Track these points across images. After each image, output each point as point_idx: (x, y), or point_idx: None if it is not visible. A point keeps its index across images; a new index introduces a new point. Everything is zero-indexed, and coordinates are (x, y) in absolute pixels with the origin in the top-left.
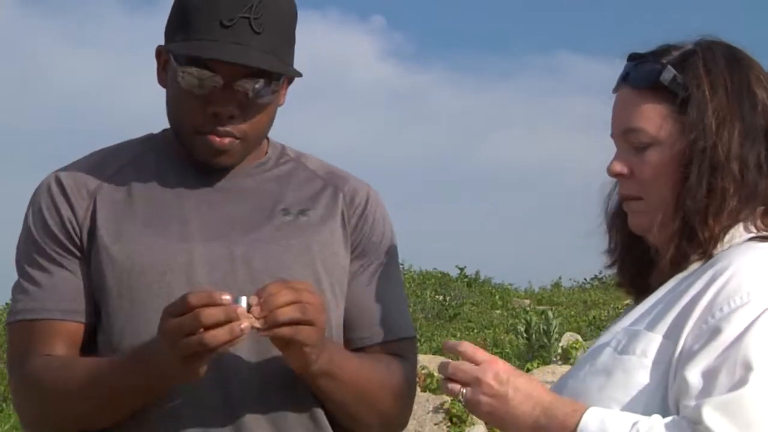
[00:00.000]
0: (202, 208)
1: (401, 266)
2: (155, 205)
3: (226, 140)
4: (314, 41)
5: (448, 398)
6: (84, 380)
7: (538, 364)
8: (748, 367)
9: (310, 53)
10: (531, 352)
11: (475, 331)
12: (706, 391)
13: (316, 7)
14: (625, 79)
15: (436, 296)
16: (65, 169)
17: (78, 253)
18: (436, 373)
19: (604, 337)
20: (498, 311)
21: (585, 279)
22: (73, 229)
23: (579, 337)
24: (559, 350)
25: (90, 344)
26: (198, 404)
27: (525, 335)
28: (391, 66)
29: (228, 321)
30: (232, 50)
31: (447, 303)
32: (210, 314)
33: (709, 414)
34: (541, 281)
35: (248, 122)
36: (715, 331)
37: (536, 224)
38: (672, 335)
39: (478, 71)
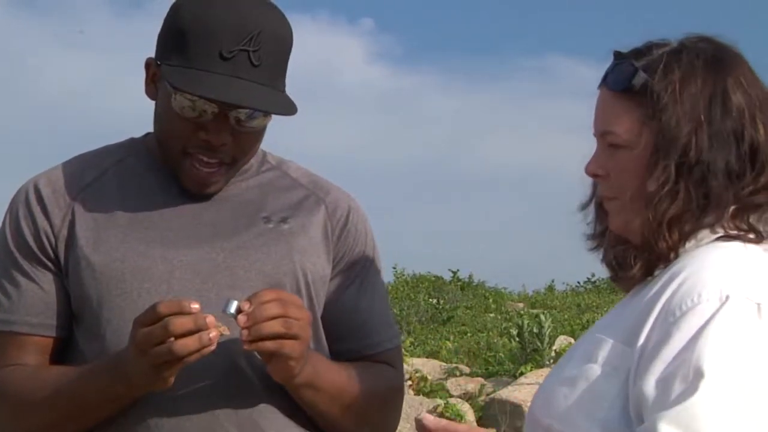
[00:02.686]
0: (184, 215)
1: (394, 269)
2: (136, 212)
3: (213, 169)
4: (303, 44)
5: (442, 401)
6: (51, 389)
7: (532, 367)
8: (699, 374)
9: (299, 56)
10: (524, 356)
11: (469, 334)
12: (661, 401)
13: (305, 10)
14: (604, 80)
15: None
16: (44, 175)
17: (52, 266)
18: (429, 377)
19: (575, 344)
20: (491, 314)
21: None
22: (48, 240)
23: (573, 341)
24: (553, 354)
25: (64, 356)
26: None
27: (518, 339)
28: (380, 68)
29: (198, 330)
30: (233, 89)
31: (440, 306)
32: (179, 323)
33: (663, 429)
34: (535, 284)
35: (239, 147)
36: (668, 336)
37: (530, 227)
38: (630, 341)
39: (468, 74)
